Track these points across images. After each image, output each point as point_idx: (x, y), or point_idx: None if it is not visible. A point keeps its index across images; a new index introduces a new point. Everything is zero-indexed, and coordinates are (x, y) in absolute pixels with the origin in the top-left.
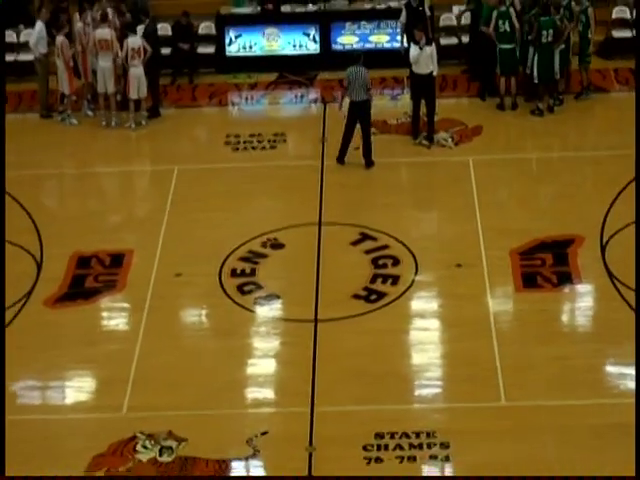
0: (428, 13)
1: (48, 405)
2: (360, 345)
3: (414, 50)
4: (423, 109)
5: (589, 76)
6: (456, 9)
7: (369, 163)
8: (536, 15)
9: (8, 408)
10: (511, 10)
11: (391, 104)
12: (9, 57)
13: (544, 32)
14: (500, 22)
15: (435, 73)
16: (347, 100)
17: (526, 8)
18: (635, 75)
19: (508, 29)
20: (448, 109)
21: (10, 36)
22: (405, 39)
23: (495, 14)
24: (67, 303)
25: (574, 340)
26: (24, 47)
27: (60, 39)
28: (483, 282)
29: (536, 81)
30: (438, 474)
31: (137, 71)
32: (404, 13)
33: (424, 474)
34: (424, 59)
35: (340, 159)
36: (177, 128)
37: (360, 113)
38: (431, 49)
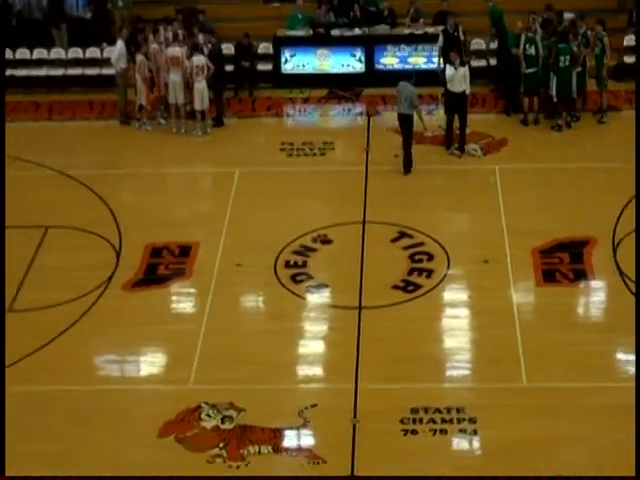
0: (462, 38)
1: (125, 377)
2: (398, 330)
3: (449, 70)
4: (456, 123)
5: (607, 98)
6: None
7: (407, 170)
8: (555, 42)
9: (91, 379)
10: (537, 37)
11: (427, 118)
12: (93, 71)
13: (562, 57)
14: (527, 46)
15: (468, 92)
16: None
17: (546, 35)
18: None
19: (534, 53)
20: (477, 123)
21: (94, 52)
22: (441, 60)
23: (523, 38)
24: (142, 288)
25: (588, 329)
26: (106, 62)
27: (140, 58)
28: (507, 277)
29: (555, 100)
30: (467, 446)
31: (200, 85)
32: (441, 38)
33: (454, 446)
34: (458, 79)
35: (406, 167)
36: (238, 135)
37: (403, 125)
38: (465, 70)
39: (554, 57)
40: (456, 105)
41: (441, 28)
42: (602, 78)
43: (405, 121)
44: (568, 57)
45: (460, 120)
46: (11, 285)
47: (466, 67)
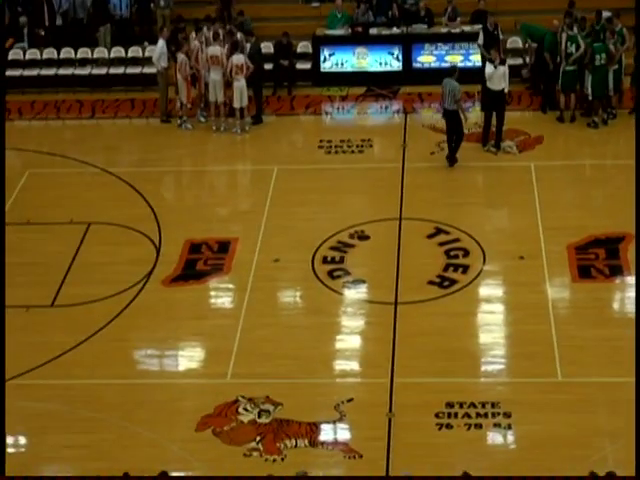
0: (501, 36)
1: (163, 371)
2: (434, 325)
3: (489, 68)
4: (493, 121)
5: None
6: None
7: (451, 163)
8: (591, 42)
9: (131, 373)
10: (578, 35)
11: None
12: (135, 70)
13: (597, 56)
14: (568, 44)
15: (507, 90)
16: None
17: (582, 34)
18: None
19: (574, 51)
20: (513, 121)
21: (136, 52)
22: (481, 58)
23: (565, 37)
24: (181, 283)
25: (623, 325)
26: (148, 61)
27: (181, 57)
28: (543, 272)
29: (591, 98)
30: (501, 440)
31: (239, 84)
32: (481, 35)
33: (488, 440)
34: (497, 77)
35: (451, 160)
36: (277, 133)
37: (449, 120)
38: (504, 68)
39: (590, 55)
40: (495, 103)
41: (480, 26)
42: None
43: (449, 116)
44: (604, 55)
45: (498, 118)
46: (54, 281)
47: (506, 65)
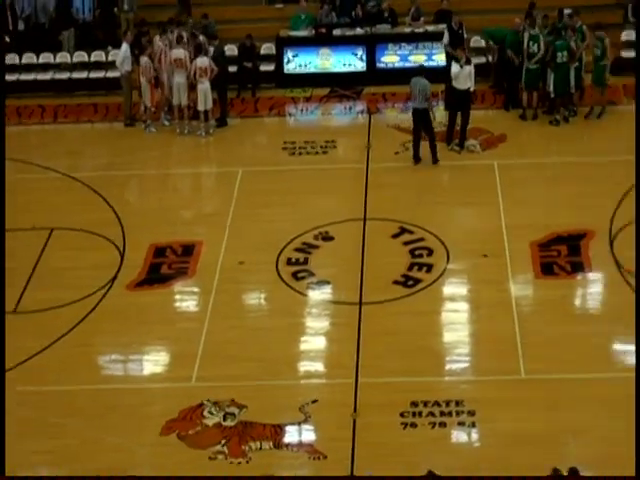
0: (465, 35)
1: (128, 376)
2: (399, 325)
3: (455, 67)
4: (457, 119)
5: (606, 98)
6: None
7: (435, 161)
8: (552, 40)
9: (96, 379)
10: (540, 34)
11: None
12: (99, 74)
13: (559, 54)
14: (530, 43)
15: (472, 89)
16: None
17: (544, 31)
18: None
19: (536, 50)
20: (477, 119)
21: (99, 56)
22: (447, 57)
23: (527, 36)
24: (146, 287)
25: (585, 321)
26: (111, 65)
27: (144, 60)
28: (506, 270)
29: (553, 95)
30: (466, 438)
31: (203, 87)
32: (447, 35)
33: (453, 438)
34: (464, 76)
35: (415, 159)
36: (241, 135)
37: (421, 119)
38: (470, 67)
39: (551, 53)
40: (460, 102)
41: (445, 26)
42: (603, 79)
43: (421, 115)
44: (565, 53)
45: (463, 117)
46: (17, 286)
47: (472, 65)
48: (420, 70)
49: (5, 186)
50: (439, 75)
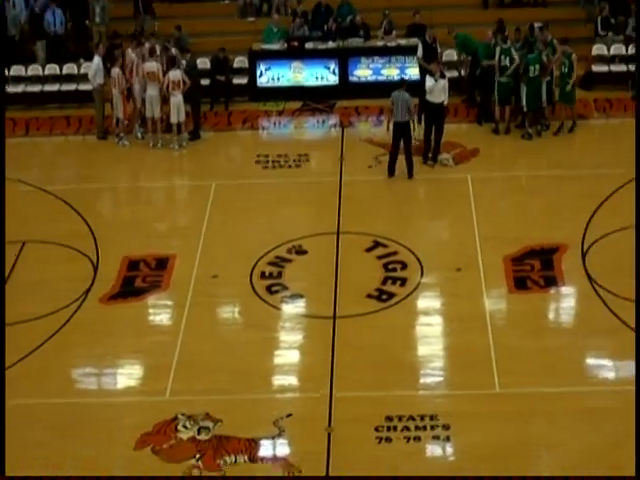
0: (439, 49)
1: (102, 390)
2: (373, 339)
3: (429, 81)
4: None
5: (575, 114)
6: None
7: (410, 175)
8: (525, 53)
9: (69, 391)
10: (512, 48)
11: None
12: (71, 87)
13: (531, 67)
14: (502, 57)
15: (446, 103)
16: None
17: (516, 45)
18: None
19: (508, 64)
20: (449, 133)
21: (71, 68)
22: (420, 71)
23: (499, 50)
24: (119, 300)
25: (559, 334)
26: (83, 78)
27: (116, 70)
28: (480, 284)
29: (525, 110)
30: (440, 452)
31: (176, 100)
32: (420, 49)
33: (427, 452)
34: (438, 90)
35: (390, 172)
36: (214, 149)
37: (403, 133)
38: (444, 82)
39: (524, 67)
40: (434, 116)
41: (419, 39)
42: (571, 95)
43: (404, 129)
44: (537, 67)
45: (436, 131)
46: None
47: (446, 79)
48: (401, 83)
49: (5, 185)
50: (413, 89)
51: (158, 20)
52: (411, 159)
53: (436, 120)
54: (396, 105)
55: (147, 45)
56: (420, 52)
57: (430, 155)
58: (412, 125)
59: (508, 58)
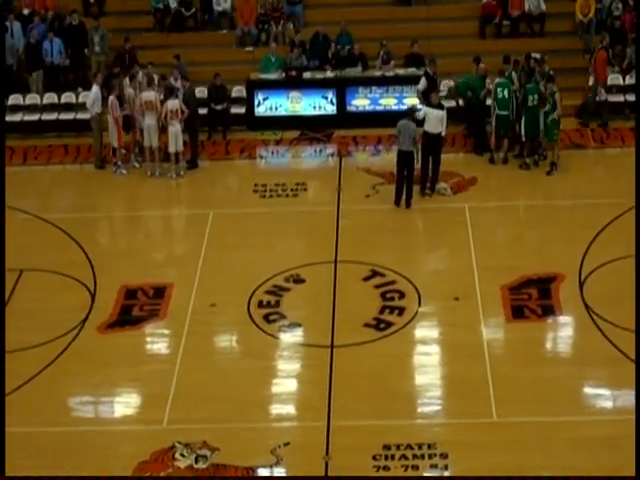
0: (437, 79)
1: (99, 418)
2: (370, 368)
3: (429, 112)
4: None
5: (558, 152)
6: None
7: (408, 204)
8: (523, 83)
9: (66, 420)
10: (509, 81)
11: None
12: (69, 116)
13: (530, 97)
14: (499, 90)
15: (444, 133)
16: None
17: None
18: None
19: (506, 96)
20: (447, 163)
21: (69, 97)
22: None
23: (495, 83)
24: (116, 329)
25: (556, 364)
26: (81, 107)
27: (111, 98)
28: (477, 313)
29: (524, 139)
30: None
31: (174, 129)
32: (424, 80)
33: None
34: (436, 120)
35: (397, 201)
36: (212, 178)
37: (406, 162)
38: (443, 113)
39: (522, 97)
40: (432, 146)
41: (422, 71)
42: (553, 134)
43: (408, 158)
44: (536, 96)
45: (434, 161)
46: None
47: (444, 110)
48: (409, 112)
49: (5, 189)
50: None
51: (156, 49)
52: (411, 189)
53: (433, 150)
54: (402, 134)
55: (140, 74)
56: (422, 85)
57: (428, 184)
58: (415, 155)
59: (506, 90)
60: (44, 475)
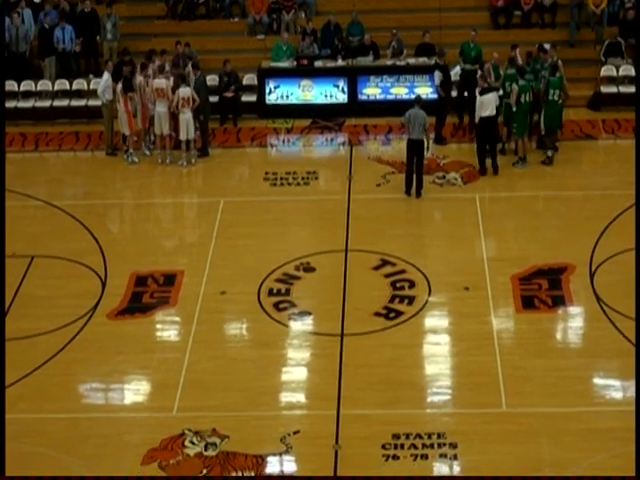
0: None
1: (109, 405)
2: (380, 357)
3: (483, 99)
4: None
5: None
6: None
7: (419, 194)
8: (546, 76)
9: (76, 407)
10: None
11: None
12: (80, 102)
13: (551, 90)
14: (507, 84)
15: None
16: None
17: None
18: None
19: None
20: (457, 152)
21: (81, 84)
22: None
23: (505, 75)
24: (127, 316)
25: (566, 355)
26: (93, 94)
27: (119, 86)
28: (487, 303)
29: (543, 133)
30: (447, 471)
31: (186, 117)
32: (437, 73)
33: (435, 471)
34: (491, 103)
35: (407, 189)
36: (223, 166)
37: (416, 150)
38: (493, 94)
39: (544, 90)
40: (489, 130)
41: (437, 69)
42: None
43: (418, 146)
44: (557, 91)
45: (491, 144)
46: None
47: (494, 92)
48: (417, 100)
49: (5, 186)
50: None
51: (168, 37)
52: (421, 178)
53: (490, 133)
54: (412, 123)
55: (157, 62)
56: (438, 79)
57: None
58: (426, 143)
59: (514, 83)
60: (44, 475)
